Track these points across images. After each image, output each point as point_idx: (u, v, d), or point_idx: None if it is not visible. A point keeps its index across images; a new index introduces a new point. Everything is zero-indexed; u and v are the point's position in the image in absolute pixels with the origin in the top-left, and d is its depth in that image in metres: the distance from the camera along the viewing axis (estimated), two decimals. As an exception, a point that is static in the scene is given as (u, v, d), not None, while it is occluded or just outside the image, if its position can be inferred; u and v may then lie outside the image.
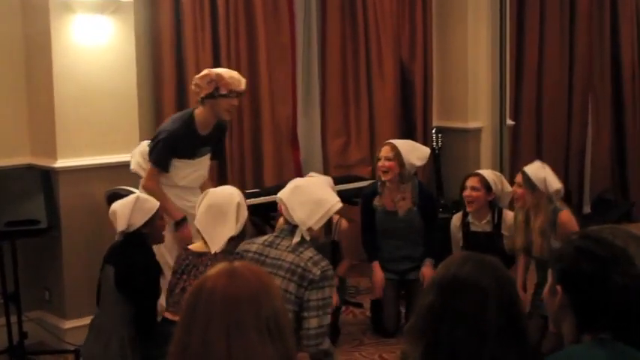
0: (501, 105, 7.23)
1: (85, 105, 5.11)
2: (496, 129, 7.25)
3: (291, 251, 3.61)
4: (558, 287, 2.00)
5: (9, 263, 4.95)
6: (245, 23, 6.05)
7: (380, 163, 5.28)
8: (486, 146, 7.26)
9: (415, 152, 5.31)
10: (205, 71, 4.80)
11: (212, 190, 4.13)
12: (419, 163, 5.31)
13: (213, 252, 3.88)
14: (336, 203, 3.74)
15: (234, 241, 3.95)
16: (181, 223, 4.78)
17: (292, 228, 3.68)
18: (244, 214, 3.97)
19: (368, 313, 5.69)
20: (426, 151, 5.41)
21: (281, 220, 4.27)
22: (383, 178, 5.29)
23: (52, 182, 5.09)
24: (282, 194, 3.78)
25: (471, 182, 5.12)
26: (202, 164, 4.97)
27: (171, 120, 4.91)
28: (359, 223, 5.62)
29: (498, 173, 5.46)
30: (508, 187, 5.16)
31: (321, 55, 6.69)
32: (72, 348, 4.96)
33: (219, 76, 4.72)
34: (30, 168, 5.22)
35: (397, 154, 5.22)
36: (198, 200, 4.10)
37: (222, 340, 1.70)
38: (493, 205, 5.14)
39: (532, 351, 1.94)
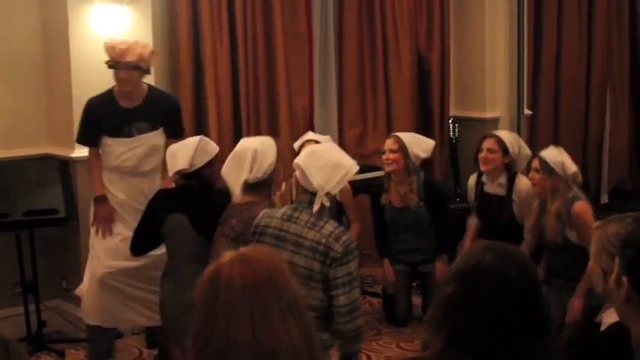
0: (519, 94, 7.18)
1: (102, 95, 5.12)
2: (513, 119, 7.21)
3: (310, 227, 3.49)
4: (624, 278, 1.88)
5: (27, 252, 4.98)
6: (262, 14, 6.03)
7: (384, 156, 5.27)
8: (504, 136, 7.21)
9: (419, 144, 5.28)
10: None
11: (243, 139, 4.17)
12: (423, 154, 5.27)
13: (235, 199, 3.85)
14: (353, 166, 3.63)
15: (256, 191, 3.88)
16: (100, 200, 4.69)
17: (310, 197, 3.55)
18: (265, 161, 3.87)
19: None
20: (431, 143, 5.36)
21: (278, 195, 4.25)
22: (387, 170, 5.28)
23: (69, 172, 5.11)
24: (299, 160, 3.63)
25: (488, 144, 5.06)
26: (141, 142, 4.71)
27: None
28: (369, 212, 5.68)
29: (516, 135, 5.38)
30: (526, 150, 5.09)
31: (338, 45, 6.67)
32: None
33: (107, 45, 4.60)
34: (48, 158, 5.24)
35: (401, 147, 5.20)
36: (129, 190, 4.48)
37: (247, 326, 1.68)
38: (509, 167, 5.08)
39: (555, 341, 1.88)
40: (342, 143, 6.66)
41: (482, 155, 5.05)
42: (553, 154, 4.59)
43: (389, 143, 5.26)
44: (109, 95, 4.70)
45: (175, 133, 4.81)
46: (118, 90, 4.66)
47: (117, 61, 4.54)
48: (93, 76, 5.05)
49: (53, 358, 4.91)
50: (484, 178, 5.14)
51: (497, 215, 5.04)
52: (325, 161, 3.55)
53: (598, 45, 8.00)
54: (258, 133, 6.08)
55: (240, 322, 1.69)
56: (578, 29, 7.85)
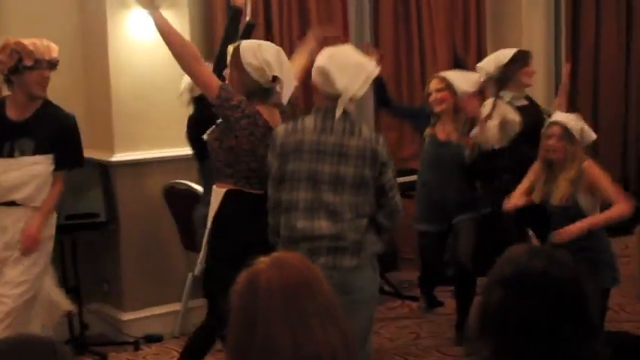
0: (557, 94, 7.11)
1: (141, 99, 5.16)
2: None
3: (350, 135, 3.38)
4: None
5: (69, 256, 5.03)
6: (298, 17, 6.04)
7: (432, 97, 5.07)
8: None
9: (465, 79, 5.13)
10: (3, 42, 4.03)
11: None
12: (471, 88, 5.10)
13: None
14: (374, 68, 3.47)
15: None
16: None
17: (332, 104, 3.39)
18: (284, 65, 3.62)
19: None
20: (476, 76, 5.18)
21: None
22: (437, 110, 5.05)
23: (109, 176, 5.14)
24: (320, 61, 3.40)
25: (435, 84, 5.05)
26: (20, 165, 4.06)
27: None
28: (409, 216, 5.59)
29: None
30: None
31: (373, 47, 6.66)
32: (131, 339, 5.02)
33: (19, 44, 3.97)
34: (88, 162, 5.28)
35: (448, 84, 5.05)
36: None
37: (286, 332, 1.68)
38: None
39: (607, 350, 1.86)
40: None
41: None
42: (573, 121, 4.49)
43: (434, 83, 5.09)
44: None
45: (70, 163, 4.24)
46: (18, 98, 4.05)
47: (48, 60, 4.01)
48: (131, 81, 5.10)
49: (95, 361, 4.96)
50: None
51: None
52: (348, 61, 3.40)
53: (637, 41, 7.90)
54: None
55: (280, 328, 1.68)
56: (616, 28, 7.77)
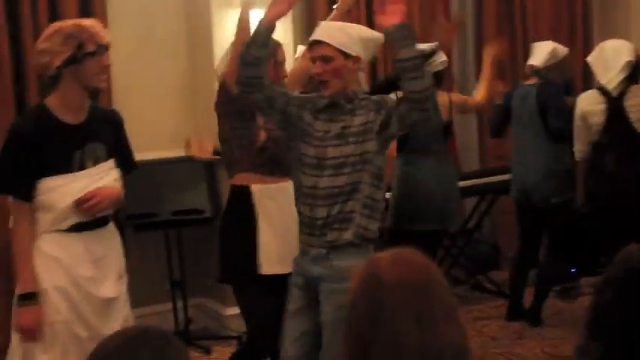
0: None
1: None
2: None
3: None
4: None
5: (175, 251, 5.15)
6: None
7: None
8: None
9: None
10: (50, 29, 3.11)
11: None
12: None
13: None
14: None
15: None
16: (28, 299, 3.02)
17: None
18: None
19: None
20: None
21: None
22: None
23: (214, 173, 5.23)
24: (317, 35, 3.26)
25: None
26: (99, 175, 3.17)
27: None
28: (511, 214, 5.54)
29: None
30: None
31: (476, 44, 6.59)
32: (234, 334, 5.10)
33: (77, 27, 3.08)
34: (193, 159, 5.40)
35: None
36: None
37: (413, 330, 1.66)
38: None
39: None
40: (481, 143, 6.59)
41: None
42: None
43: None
44: (42, 109, 3.16)
45: (131, 166, 3.42)
46: (71, 96, 3.13)
47: (101, 44, 3.11)
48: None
49: (200, 354, 5.04)
50: None
51: None
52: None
53: None
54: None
55: (407, 325, 1.67)
56: None
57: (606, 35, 6.91)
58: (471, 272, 6.20)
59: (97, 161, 3.17)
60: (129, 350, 1.55)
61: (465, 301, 5.77)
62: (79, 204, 3.06)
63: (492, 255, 6.45)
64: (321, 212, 3.17)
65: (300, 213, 3.28)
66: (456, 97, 5.13)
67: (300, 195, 3.26)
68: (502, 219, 6.49)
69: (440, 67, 4.82)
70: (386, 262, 1.76)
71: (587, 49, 6.76)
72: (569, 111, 4.94)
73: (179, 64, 5.41)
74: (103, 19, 4.87)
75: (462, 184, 5.49)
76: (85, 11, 4.90)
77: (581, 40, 6.81)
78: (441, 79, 4.89)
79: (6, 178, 3.09)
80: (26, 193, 3.06)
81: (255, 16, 5.10)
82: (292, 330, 3.29)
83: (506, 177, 5.62)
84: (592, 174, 4.84)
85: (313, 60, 3.26)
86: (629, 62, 4.75)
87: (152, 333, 1.60)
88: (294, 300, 3.31)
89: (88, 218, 3.11)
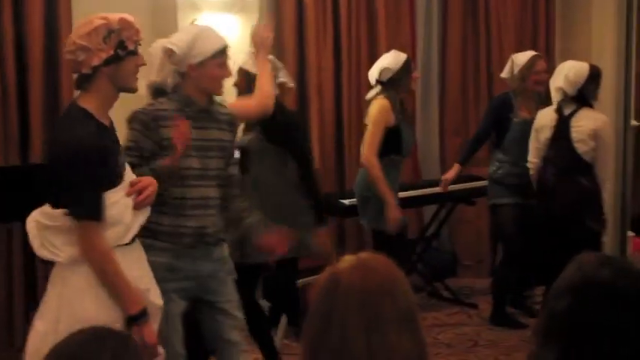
0: (626, 105, 6.99)
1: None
2: (619, 130, 7.02)
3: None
4: None
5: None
6: (366, 24, 6.09)
7: (539, 77, 5.41)
8: (608, 147, 7.04)
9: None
10: (91, 23, 2.81)
11: None
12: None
13: None
14: None
15: None
16: (143, 316, 2.86)
17: None
18: None
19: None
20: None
21: None
22: (537, 89, 5.43)
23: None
24: None
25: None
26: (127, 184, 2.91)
27: (58, 130, 2.94)
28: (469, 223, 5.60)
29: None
30: None
31: (441, 55, 6.68)
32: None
33: (123, 22, 2.86)
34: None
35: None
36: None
37: (361, 336, 1.66)
38: None
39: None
40: (443, 152, 6.66)
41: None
42: None
43: (542, 65, 5.48)
44: (87, 116, 2.83)
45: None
46: (106, 98, 2.88)
47: (139, 42, 2.96)
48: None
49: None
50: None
51: None
52: None
53: None
54: (360, 139, 6.12)
55: (355, 331, 1.67)
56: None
57: (568, 40, 7.07)
58: (429, 279, 6.26)
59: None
60: (93, 348, 1.57)
61: (422, 308, 5.82)
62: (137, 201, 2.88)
63: (450, 263, 6.52)
64: None
65: None
66: None
67: None
68: (460, 227, 6.57)
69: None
70: (348, 267, 1.75)
71: (549, 56, 6.91)
72: None
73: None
74: (68, 18, 4.86)
75: (422, 192, 5.56)
76: (50, 10, 4.87)
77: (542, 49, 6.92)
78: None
79: (93, 205, 2.75)
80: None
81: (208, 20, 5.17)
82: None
83: (466, 185, 5.71)
84: (537, 187, 5.12)
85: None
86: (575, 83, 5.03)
87: (110, 334, 1.62)
88: None
89: (143, 222, 2.94)
